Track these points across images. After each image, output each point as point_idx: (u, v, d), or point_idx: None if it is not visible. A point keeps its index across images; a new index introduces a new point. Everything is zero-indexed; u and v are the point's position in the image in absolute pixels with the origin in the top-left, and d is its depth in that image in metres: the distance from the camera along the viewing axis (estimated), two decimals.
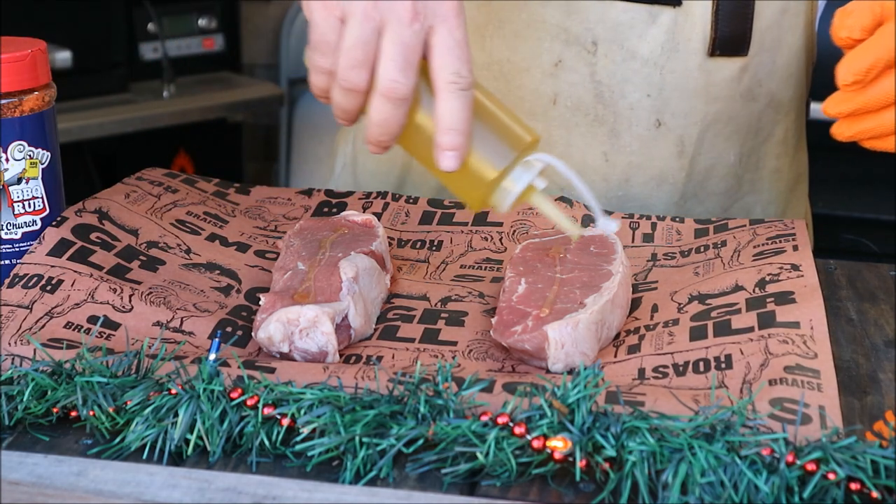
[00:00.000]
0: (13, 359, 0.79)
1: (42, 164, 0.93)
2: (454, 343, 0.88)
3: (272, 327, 0.83)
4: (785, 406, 0.73)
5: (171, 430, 0.72)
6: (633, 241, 1.05)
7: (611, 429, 0.69)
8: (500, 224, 1.07)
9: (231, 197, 1.11)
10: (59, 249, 0.91)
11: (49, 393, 0.75)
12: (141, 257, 0.95)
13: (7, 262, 0.92)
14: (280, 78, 2.94)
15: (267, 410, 0.72)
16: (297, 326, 0.83)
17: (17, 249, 0.93)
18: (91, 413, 0.73)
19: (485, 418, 0.70)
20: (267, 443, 0.72)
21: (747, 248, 0.98)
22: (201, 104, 2.58)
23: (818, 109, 0.95)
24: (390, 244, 1.03)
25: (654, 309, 0.92)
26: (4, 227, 0.92)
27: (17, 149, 0.91)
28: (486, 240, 1.05)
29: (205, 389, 0.73)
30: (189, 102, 2.56)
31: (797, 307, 0.85)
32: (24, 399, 0.74)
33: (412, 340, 0.88)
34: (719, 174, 1.17)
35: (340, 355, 0.85)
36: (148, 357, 0.77)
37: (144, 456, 0.72)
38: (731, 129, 1.16)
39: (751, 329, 0.84)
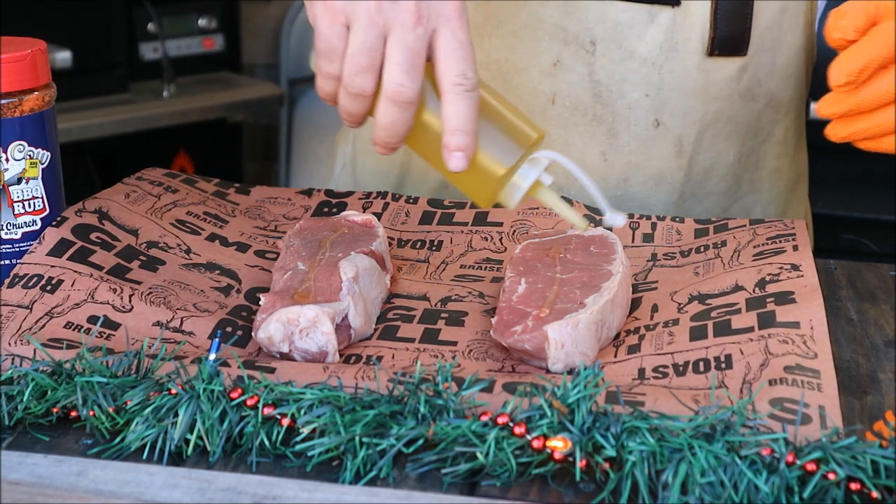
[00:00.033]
0: (13, 359, 0.79)
1: (42, 164, 0.93)
2: (454, 343, 0.88)
3: (272, 327, 0.83)
4: (785, 406, 0.73)
5: (171, 430, 0.72)
6: (633, 241, 1.05)
7: (611, 429, 0.69)
8: (500, 224, 1.07)
9: (231, 197, 1.11)
10: (59, 249, 0.91)
11: (49, 393, 0.75)
12: (141, 257, 0.95)
13: (7, 262, 0.92)
14: (280, 78, 2.94)
15: (267, 410, 0.72)
16: (297, 326, 0.83)
17: (17, 249, 0.93)
18: (91, 413, 0.73)
19: (485, 418, 0.70)
20: (267, 443, 0.72)
21: (747, 248, 0.98)
22: (201, 104, 2.58)
23: None
24: (390, 244, 1.03)
25: (654, 309, 0.92)
26: (4, 227, 0.92)
27: (17, 149, 0.91)
28: (486, 240, 1.05)
29: (205, 389, 0.73)
30: (189, 102, 2.56)
31: (797, 307, 0.85)
32: (24, 399, 0.74)
33: (412, 340, 0.88)
34: (718, 174, 1.17)
35: (340, 355, 0.85)
36: (148, 357, 0.77)
37: (144, 456, 0.72)
38: (730, 129, 1.16)
39: (751, 329, 0.84)
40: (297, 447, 0.71)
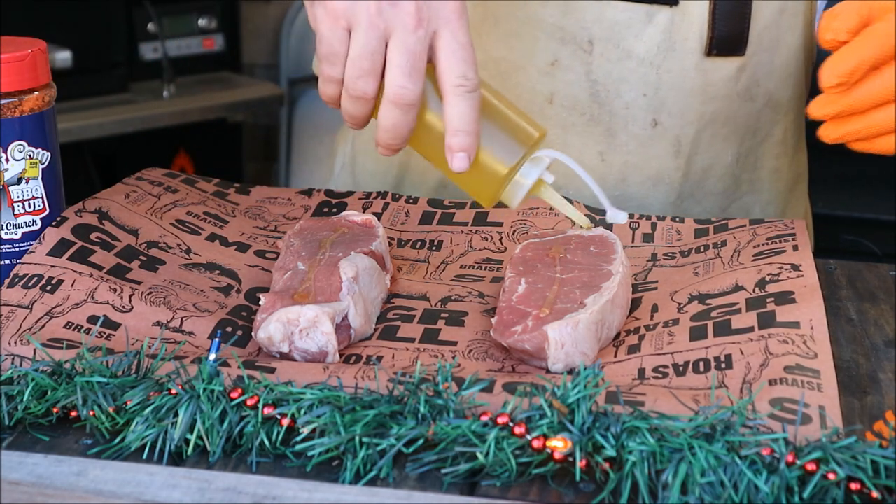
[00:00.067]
0: (13, 359, 0.79)
1: (42, 164, 0.93)
2: (454, 343, 0.88)
3: (272, 327, 0.83)
4: (785, 406, 0.73)
5: (171, 430, 0.72)
6: (633, 241, 1.05)
7: (611, 429, 0.69)
8: (500, 224, 1.07)
9: (231, 197, 1.11)
10: (59, 249, 0.91)
11: (49, 393, 0.75)
12: (141, 257, 0.95)
13: (7, 262, 0.92)
14: (280, 78, 2.94)
15: (267, 410, 0.72)
16: (297, 326, 0.83)
17: (17, 249, 0.93)
18: (91, 413, 0.73)
19: (485, 418, 0.70)
20: (267, 443, 0.72)
21: (747, 248, 0.98)
22: (201, 104, 2.58)
23: None
24: (390, 244, 1.03)
25: (654, 309, 0.92)
26: (4, 227, 0.92)
27: (17, 149, 0.91)
28: (486, 240, 1.05)
29: (205, 389, 0.73)
30: (189, 102, 2.56)
31: (797, 307, 0.85)
32: (24, 399, 0.74)
33: (412, 340, 0.88)
34: (717, 174, 1.17)
35: (340, 355, 0.85)
36: (148, 357, 0.77)
37: (144, 456, 0.72)
38: (728, 129, 1.15)
39: (751, 329, 0.84)
40: (297, 447, 0.71)
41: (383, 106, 0.81)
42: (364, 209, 1.10)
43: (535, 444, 0.69)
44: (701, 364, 0.82)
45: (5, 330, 0.83)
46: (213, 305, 0.91)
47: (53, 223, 0.94)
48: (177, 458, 0.72)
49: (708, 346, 0.84)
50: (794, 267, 0.92)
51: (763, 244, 0.98)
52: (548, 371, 0.83)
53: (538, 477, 0.70)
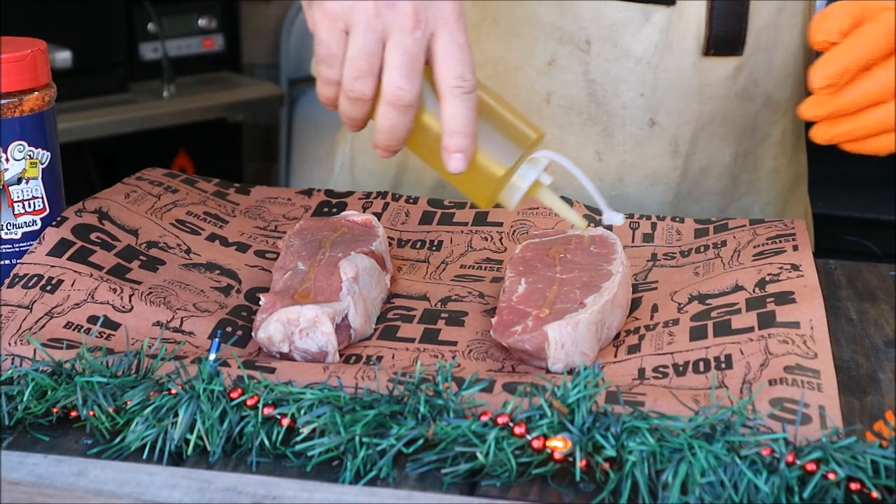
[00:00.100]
0: (13, 359, 0.79)
1: (42, 164, 0.93)
2: (454, 343, 0.88)
3: (272, 327, 0.83)
4: (785, 406, 0.73)
5: (171, 430, 0.72)
6: (633, 241, 1.05)
7: (611, 429, 0.69)
8: (500, 224, 1.07)
9: (231, 197, 1.11)
10: (59, 249, 0.91)
11: (49, 393, 0.75)
12: (141, 257, 0.95)
13: (7, 262, 0.92)
14: (280, 78, 2.94)
15: (267, 410, 0.72)
16: (297, 326, 0.83)
17: (17, 249, 0.93)
18: (91, 413, 0.73)
19: (485, 418, 0.70)
20: (267, 443, 0.72)
21: (747, 248, 0.98)
22: (201, 104, 2.58)
23: None
24: (390, 244, 1.03)
25: (654, 309, 0.92)
26: (4, 227, 0.92)
27: (17, 149, 0.91)
28: (486, 240, 1.05)
29: (205, 389, 0.73)
30: (189, 102, 2.56)
31: (797, 307, 0.85)
32: (24, 399, 0.74)
33: (412, 340, 0.88)
34: (715, 174, 1.17)
35: (340, 355, 0.85)
36: (148, 357, 0.77)
37: (144, 456, 0.72)
38: (726, 129, 1.15)
39: (751, 329, 0.84)
40: (297, 447, 0.71)
41: (381, 107, 0.81)
42: (364, 209, 1.10)
43: (535, 444, 0.69)
44: (701, 364, 0.82)
45: (5, 330, 0.83)
46: (213, 305, 0.91)
47: (53, 223, 0.94)
48: (177, 458, 0.72)
49: (708, 346, 0.84)
50: (794, 267, 0.92)
51: (763, 244, 0.98)
52: (548, 371, 0.83)
53: (538, 477, 0.70)
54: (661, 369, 0.82)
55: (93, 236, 0.94)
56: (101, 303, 0.87)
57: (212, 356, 0.75)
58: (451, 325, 0.90)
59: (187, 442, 0.72)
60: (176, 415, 0.72)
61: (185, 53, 2.65)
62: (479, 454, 0.69)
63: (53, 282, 0.88)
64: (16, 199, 0.92)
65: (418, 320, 0.91)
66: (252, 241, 1.03)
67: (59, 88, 0.95)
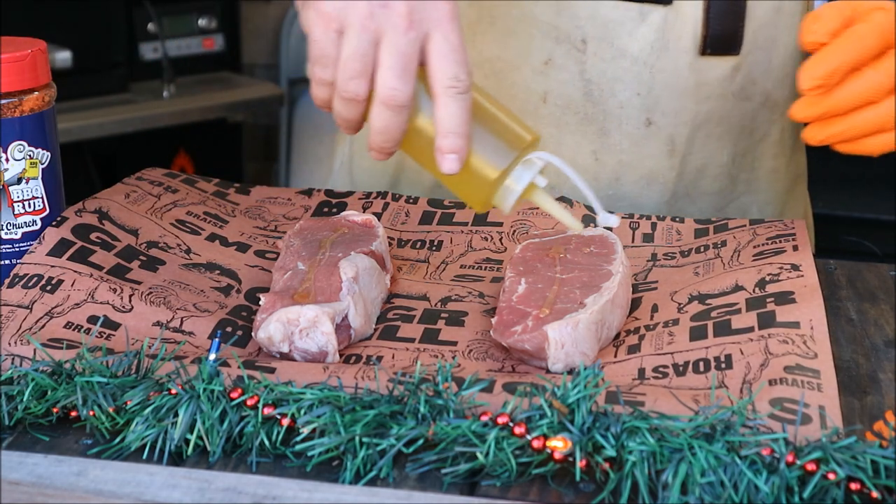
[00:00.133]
0: (13, 359, 0.79)
1: (42, 164, 0.93)
2: (454, 343, 0.88)
3: (272, 327, 0.83)
4: (785, 406, 0.73)
5: (171, 430, 0.72)
6: (633, 241, 1.05)
7: (611, 429, 0.69)
8: (500, 224, 1.07)
9: (231, 197, 1.11)
10: (59, 249, 0.91)
11: (49, 393, 0.75)
12: (141, 257, 0.95)
13: (7, 262, 0.92)
14: (280, 78, 2.94)
15: (267, 410, 0.72)
16: (297, 326, 0.83)
17: (17, 249, 0.93)
18: (91, 413, 0.73)
19: (485, 418, 0.70)
20: (267, 443, 0.72)
21: (747, 248, 0.98)
22: (201, 104, 2.58)
23: None
24: (390, 244, 1.03)
25: (654, 309, 0.92)
26: (4, 227, 0.92)
27: (17, 149, 0.91)
28: (486, 240, 1.05)
29: (205, 389, 0.73)
30: (189, 102, 2.56)
31: (797, 307, 0.85)
32: (24, 399, 0.74)
33: (412, 340, 0.88)
34: (712, 174, 1.17)
35: (340, 355, 0.85)
36: (148, 357, 0.77)
37: (144, 456, 0.72)
38: (723, 129, 1.15)
39: (751, 329, 0.84)
40: (297, 447, 0.71)
41: (374, 108, 0.81)
42: (364, 209, 1.10)
43: (535, 444, 0.69)
44: (701, 364, 0.82)
45: (5, 330, 0.83)
46: (213, 305, 0.91)
47: (53, 223, 0.94)
48: (177, 458, 0.72)
49: (708, 346, 0.84)
50: (794, 267, 0.92)
51: (763, 244, 0.98)
52: (548, 371, 0.83)
53: (538, 477, 0.70)
54: (661, 369, 0.82)
55: (93, 236, 0.94)
56: (101, 303, 0.87)
57: (212, 356, 0.75)
58: (451, 325, 0.90)
59: (187, 442, 0.72)
60: (176, 415, 0.72)
61: (185, 53, 2.65)
62: (479, 454, 0.69)
63: (53, 282, 0.88)
64: (16, 199, 0.92)
65: (418, 320, 0.91)
66: (252, 241, 1.03)
67: (59, 88, 0.95)
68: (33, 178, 0.93)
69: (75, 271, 0.89)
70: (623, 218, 1.08)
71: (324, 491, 0.69)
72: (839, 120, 0.88)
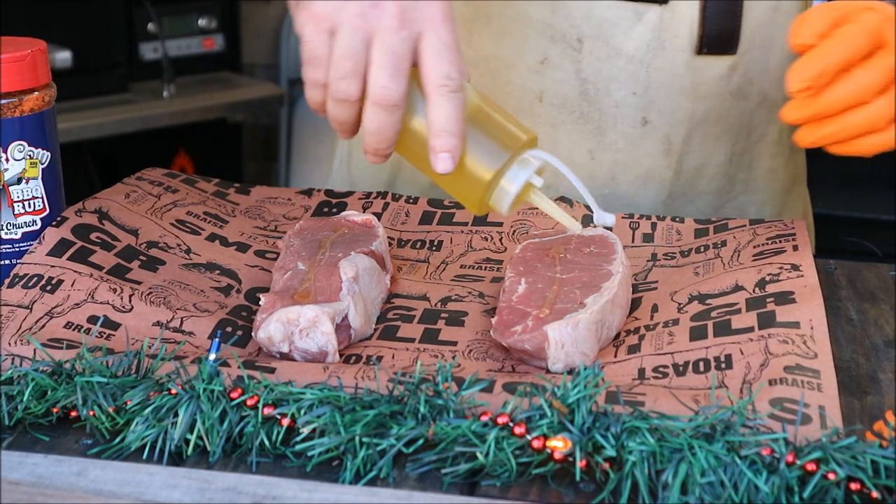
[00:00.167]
0: (13, 359, 0.79)
1: (42, 164, 0.93)
2: (454, 343, 0.88)
3: (272, 327, 0.83)
4: (785, 406, 0.73)
5: (171, 430, 0.72)
6: (633, 241, 1.05)
7: (611, 429, 0.69)
8: (500, 224, 1.07)
9: (231, 197, 1.11)
10: (59, 249, 0.91)
11: (49, 393, 0.75)
12: (141, 257, 0.95)
13: (7, 262, 0.92)
14: (280, 78, 2.94)
15: (267, 410, 0.72)
16: (297, 326, 0.83)
17: (17, 249, 0.93)
18: (91, 413, 0.73)
19: (485, 418, 0.70)
20: (267, 443, 0.72)
21: (747, 248, 0.98)
22: (201, 104, 2.58)
23: None
24: (390, 244, 1.03)
25: (654, 309, 0.92)
26: (4, 227, 0.92)
27: (17, 149, 0.91)
28: (486, 240, 1.05)
29: (205, 389, 0.73)
30: (189, 102, 2.56)
31: (797, 307, 0.85)
32: (24, 399, 0.74)
33: (412, 340, 0.88)
34: (709, 173, 1.17)
35: (340, 355, 0.85)
36: (148, 357, 0.77)
37: (144, 456, 0.72)
38: (720, 128, 1.15)
39: (751, 329, 0.84)
40: (297, 447, 0.71)
41: (367, 108, 0.81)
42: (364, 209, 1.10)
43: (535, 444, 0.69)
44: (701, 364, 0.82)
45: (5, 330, 0.83)
46: (213, 305, 0.91)
47: (53, 223, 0.94)
48: (177, 458, 0.72)
49: (708, 346, 0.84)
50: (794, 267, 0.92)
51: (763, 244, 0.98)
52: (548, 371, 0.83)
53: (538, 477, 0.70)
54: (661, 369, 0.82)
55: (93, 236, 0.94)
56: (101, 303, 0.87)
57: (212, 356, 0.75)
58: (451, 325, 0.90)
59: (187, 442, 0.72)
60: (176, 415, 0.72)
61: (185, 53, 2.65)
62: (479, 454, 0.69)
63: (53, 282, 0.88)
64: (16, 199, 0.92)
65: (418, 320, 0.91)
66: (252, 241, 1.03)
67: (59, 88, 0.95)
68: (33, 178, 0.93)
69: (75, 271, 0.89)
70: (623, 218, 1.08)
71: (324, 491, 0.69)
72: (831, 121, 0.88)
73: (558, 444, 0.69)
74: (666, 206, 1.16)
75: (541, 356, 0.83)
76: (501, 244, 1.05)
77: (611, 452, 0.68)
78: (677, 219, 1.08)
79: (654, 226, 1.07)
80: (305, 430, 0.71)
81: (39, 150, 0.92)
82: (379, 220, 1.02)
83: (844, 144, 0.89)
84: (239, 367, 0.76)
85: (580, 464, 0.68)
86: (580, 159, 1.14)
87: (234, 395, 0.73)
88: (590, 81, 1.12)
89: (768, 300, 0.88)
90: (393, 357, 0.85)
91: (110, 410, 0.73)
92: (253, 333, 0.86)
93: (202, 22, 2.68)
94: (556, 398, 0.71)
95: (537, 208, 1.07)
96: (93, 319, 0.86)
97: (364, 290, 0.89)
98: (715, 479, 0.66)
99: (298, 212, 1.10)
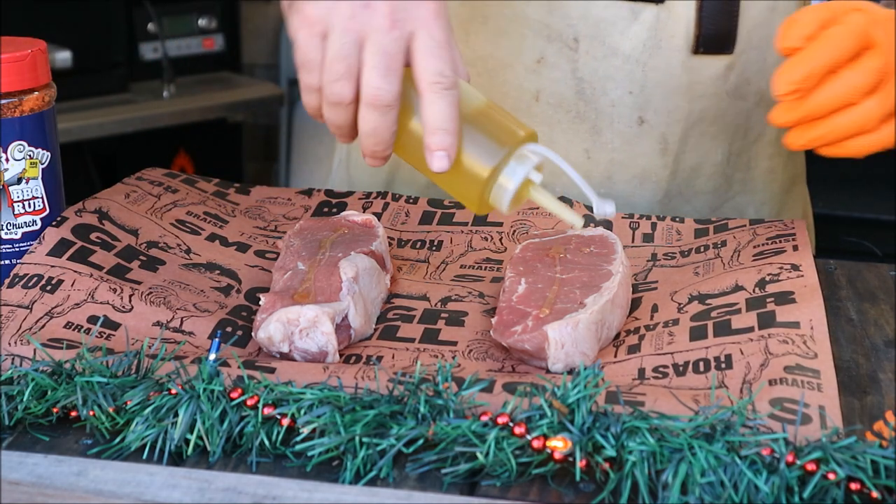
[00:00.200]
0: (13, 359, 0.79)
1: (42, 164, 0.93)
2: (454, 343, 0.88)
3: (272, 327, 0.83)
4: (785, 406, 0.73)
5: (171, 430, 0.72)
6: (633, 241, 1.05)
7: (611, 429, 0.69)
8: (500, 224, 1.07)
9: (231, 197, 1.11)
10: (59, 249, 0.91)
11: (49, 393, 0.75)
12: (141, 257, 0.95)
13: (7, 262, 0.92)
14: (280, 78, 2.94)
15: (267, 410, 0.72)
16: (297, 326, 0.83)
17: (17, 249, 0.93)
18: (91, 413, 0.73)
19: (485, 418, 0.70)
20: (267, 443, 0.72)
21: (747, 248, 0.98)
22: (201, 104, 2.58)
23: None
24: (390, 244, 1.03)
25: (654, 309, 0.92)
26: (4, 227, 0.92)
27: (17, 149, 0.91)
28: (486, 240, 1.05)
29: (205, 389, 0.73)
30: (189, 102, 2.56)
31: (797, 307, 0.85)
32: (24, 399, 0.74)
33: (412, 340, 0.88)
34: (706, 173, 1.17)
35: (340, 355, 0.85)
36: (148, 357, 0.77)
37: (144, 456, 0.72)
38: (717, 128, 1.15)
39: (751, 329, 0.84)
40: (297, 447, 0.71)
41: (361, 110, 0.81)
42: (364, 209, 1.10)
43: (535, 444, 0.69)
44: (701, 364, 0.82)
45: (5, 330, 0.83)
46: (213, 305, 0.91)
47: (53, 223, 0.94)
48: (177, 458, 0.72)
49: (708, 346, 0.84)
50: (794, 267, 0.92)
51: (763, 244, 0.98)
52: (548, 371, 0.83)
53: (538, 477, 0.70)
54: (661, 369, 0.82)
55: (93, 236, 0.94)
56: (101, 303, 0.87)
57: (212, 356, 0.75)
58: (451, 325, 0.90)
59: (187, 442, 0.72)
60: (176, 415, 0.72)
61: (185, 53, 2.65)
62: (479, 454, 0.69)
63: (53, 282, 0.88)
64: (16, 199, 0.92)
65: (418, 320, 0.91)
66: (252, 241, 1.03)
67: (59, 88, 0.95)
68: (33, 178, 0.93)
69: (75, 271, 0.89)
70: (623, 218, 1.08)
71: (324, 491, 0.69)
72: (820, 123, 0.88)
73: (558, 444, 0.69)
74: (662, 206, 1.16)
75: (541, 356, 0.83)
76: (501, 244, 1.05)
77: (611, 452, 0.68)
78: (677, 219, 1.08)
79: (654, 226, 1.07)
80: (305, 430, 0.71)
81: (39, 150, 0.92)
82: (379, 220, 1.02)
83: (835, 146, 0.89)
84: (239, 367, 0.76)
85: (580, 464, 0.68)
86: (576, 158, 1.14)
87: (234, 395, 0.73)
88: (586, 81, 1.12)
89: (768, 300, 0.88)
90: (393, 357, 0.85)
91: (110, 410, 0.73)
92: (253, 333, 0.86)
93: (202, 22, 2.68)
94: (556, 398, 0.71)
95: (538, 208, 1.08)
96: (93, 319, 0.86)
97: (364, 290, 0.89)
98: (715, 479, 0.66)
99: (298, 212, 1.10)
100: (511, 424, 0.70)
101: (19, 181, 0.92)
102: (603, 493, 0.68)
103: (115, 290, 0.89)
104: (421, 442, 0.70)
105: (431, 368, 0.80)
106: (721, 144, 1.16)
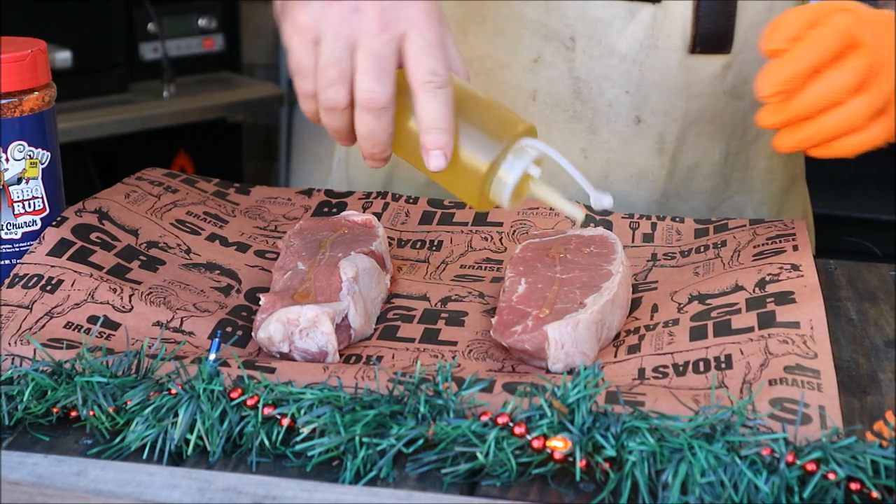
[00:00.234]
0: (13, 359, 0.79)
1: (42, 164, 0.93)
2: (454, 343, 0.88)
3: (272, 327, 0.83)
4: (785, 406, 0.73)
5: (171, 430, 0.72)
6: (633, 241, 1.05)
7: (611, 429, 0.69)
8: (500, 224, 1.07)
9: (231, 197, 1.11)
10: (59, 249, 0.91)
11: (49, 393, 0.75)
12: (141, 257, 0.95)
13: (7, 262, 0.92)
14: (280, 78, 2.94)
15: (267, 410, 0.72)
16: (297, 326, 0.83)
17: (17, 249, 0.93)
18: (91, 413, 0.73)
19: (485, 418, 0.70)
20: (267, 443, 0.72)
21: (747, 248, 0.98)
22: (201, 104, 2.58)
23: None
24: (390, 244, 1.03)
25: (654, 309, 0.92)
26: (4, 227, 0.92)
27: (17, 149, 0.91)
28: (486, 240, 1.05)
29: (205, 389, 0.73)
30: (189, 102, 2.56)
31: (797, 307, 0.85)
32: (24, 399, 0.74)
33: (412, 340, 0.88)
34: (704, 172, 1.17)
35: (340, 355, 0.85)
36: (148, 357, 0.77)
37: (144, 456, 0.72)
38: (715, 128, 1.15)
39: (751, 329, 0.84)
40: (297, 447, 0.71)
41: (356, 113, 0.81)
42: (364, 209, 1.10)
43: (535, 444, 0.69)
44: (701, 364, 0.82)
45: (5, 330, 0.83)
46: (213, 305, 0.91)
47: (53, 223, 0.94)
48: (177, 458, 0.72)
49: (708, 346, 0.84)
50: (794, 267, 0.92)
51: (763, 244, 0.98)
52: (548, 371, 0.83)
53: (538, 477, 0.70)
54: (661, 369, 0.82)
55: (93, 236, 0.94)
56: (101, 303, 0.87)
57: (212, 356, 0.75)
58: (451, 325, 0.90)
59: (187, 442, 0.72)
60: (176, 415, 0.72)
61: (185, 53, 2.65)
62: (479, 454, 0.69)
63: (53, 282, 0.88)
64: (16, 199, 0.92)
65: (418, 320, 0.91)
66: (252, 241, 1.03)
67: (59, 88, 0.95)
68: (33, 178, 0.93)
69: (75, 271, 0.89)
70: (623, 218, 1.08)
71: (324, 491, 0.69)
72: (807, 124, 0.88)
73: (558, 444, 0.69)
74: (660, 205, 1.16)
75: (541, 356, 0.83)
76: (501, 244, 1.05)
77: (611, 452, 0.68)
78: (677, 219, 1.08)
79: (654, 226, 1.07)
80: (305, 430, 0.71)
81: (39, 150, 0.92)
82: (379, 220, 1.02)
83: (824, 147, 0.89)
84: (239, 367, 0.76)
85: (580, 464, 0.68)
86: (573, 158, 1.14)
87: (234, 395, 0.73)
88: (583, 80, 1.12)
89: (768, 300, 0.88)
90: (393, 357, 0.85)
91: (110, 410, 0.73)
92: (253, 333, 0.86)
93: (202, 22, 2.68)
94: (556, 398, 0.71)
95: (538, 208, 1.08)
96: (93, 319, 0.86)
97: (364, 290, 0.89)
98: (715, 479, 0.66)
99: (298, 212, 1.10)
100: (511, 424, 0.70)
101: (19, 181, 0.92)
102: (603, 493, 0.68)
103: (115, 290, 0.89)
104: (421, 442, 0.70)
105: (431, 368, 0.80)
106: (718, 144, 1.16)
